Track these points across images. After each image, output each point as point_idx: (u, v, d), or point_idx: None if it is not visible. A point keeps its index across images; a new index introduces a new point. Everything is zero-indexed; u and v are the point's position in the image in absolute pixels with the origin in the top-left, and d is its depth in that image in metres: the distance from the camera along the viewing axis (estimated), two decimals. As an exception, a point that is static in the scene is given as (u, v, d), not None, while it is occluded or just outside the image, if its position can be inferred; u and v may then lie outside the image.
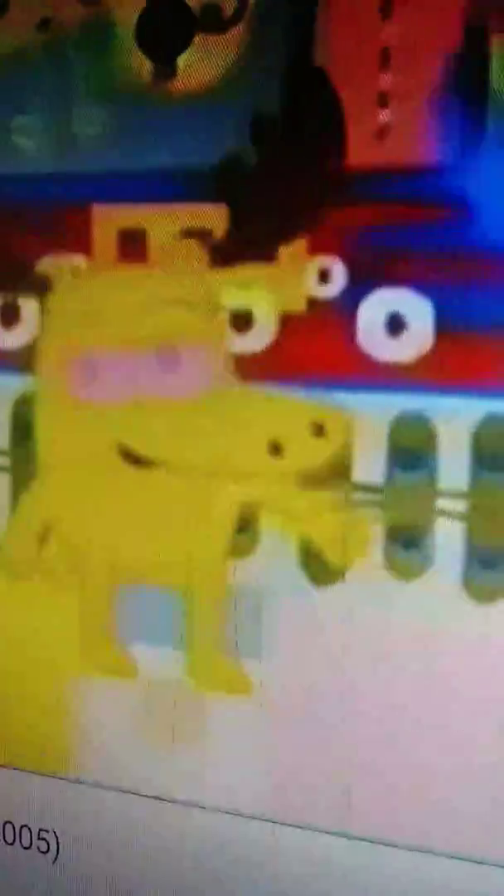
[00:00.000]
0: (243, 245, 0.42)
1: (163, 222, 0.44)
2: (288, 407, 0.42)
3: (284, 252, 0.42)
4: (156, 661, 0.47)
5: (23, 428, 0.47)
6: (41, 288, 0.46)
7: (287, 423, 0.43)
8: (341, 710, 0.44)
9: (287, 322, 0.42)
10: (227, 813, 0.47)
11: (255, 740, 0.46)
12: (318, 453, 0.42)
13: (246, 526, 0.44)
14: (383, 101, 0.39)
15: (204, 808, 0.48)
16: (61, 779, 0.50)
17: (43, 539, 0.48)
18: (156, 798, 0.48)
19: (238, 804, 0.46)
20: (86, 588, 0.48)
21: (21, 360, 0.47)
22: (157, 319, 0.44)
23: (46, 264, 0.46)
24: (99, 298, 0.45)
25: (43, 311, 0.46)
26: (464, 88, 0.38)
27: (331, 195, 0.41)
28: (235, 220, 0.42)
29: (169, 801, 0.48)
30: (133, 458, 0.46)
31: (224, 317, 0.43)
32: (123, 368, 0.45)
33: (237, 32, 0.41)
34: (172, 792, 0.48)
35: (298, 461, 0.43)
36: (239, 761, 0.46)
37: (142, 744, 0.48)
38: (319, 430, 0.42)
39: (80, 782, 0.50)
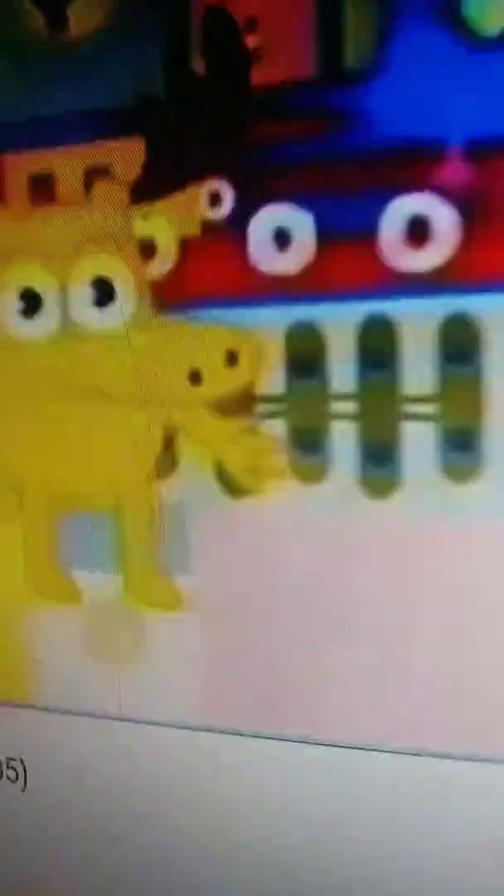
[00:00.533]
0: (155, 181, 0.44)
1: (72, 164, 0.46)
2: (204, 337, 0.44)
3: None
4: (96, 584, 0.48)
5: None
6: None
7: (204, 353, 0.44)
8: (266, 617, 0.45)
9: (185, 247, 0.44)
10: (167, 726, 0.48)
11: (189, 653, 0.47)
12: (232, 381, 0.44)
13: (169, 449, 0.46)
14: (251, 25, 0.41)
15: (148, 723, 0.49)
16: (22, 707, 0.51)
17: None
18: (107, 718, 0.50)
19: (178, 716, 0.48)
20: (27, 519, 0.50)
21: None
22: (79, 255, 0.46)
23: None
24: (16, 240, 0.47)
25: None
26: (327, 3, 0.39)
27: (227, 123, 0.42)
28: (147, 157, 0.44)
29: (118, 720, 0.50)
30: (64, 389, 0.47)
31: (134, 248, 0.45)
32: (50, 303, 0.47)
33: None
34: (121, 710, 0.49)
35: (214, 389, 0.44)
36: (176, 675, 0.48)
37: (90, 666, 0.49)
38: (232, 359, 0.44)
39: (39, 709, 0.51)
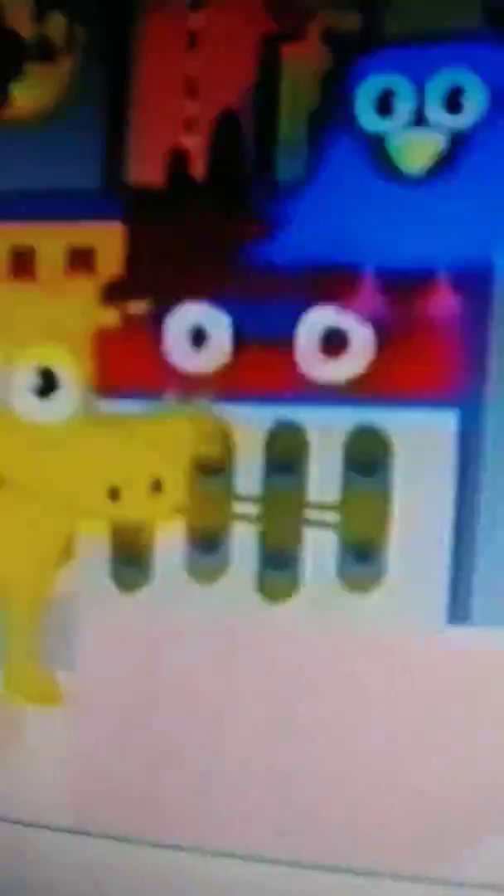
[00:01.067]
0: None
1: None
2: (133, 455, 0.43)
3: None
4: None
5: None
6: None
7: (128, 473, 0.43)
8: (147, 715, 0.43)
9: (103, 339, 0.43)
10: (34, 826, 0.46)
11: (64, 749, 0.45)
12: (150, 509, 0.43)
13: (66, 546, 0.45)
14: (189, 127, 0.41)
15: (14, 821, 0.46)
16: None
17: None
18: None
19: (48, 816, 0.45)
20: None
21: None
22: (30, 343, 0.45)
23: None
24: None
25: None
26: (259, 114, 0.40)
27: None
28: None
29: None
30: None
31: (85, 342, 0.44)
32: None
33: (65, 63, 0.43)
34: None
35: (132, 512, 0.43)
36: (49, 772, 0.45)
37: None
38: (157, 487, 0.43)
39: None
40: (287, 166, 0.40)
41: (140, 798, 0.44)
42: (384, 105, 0.39)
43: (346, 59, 0.39)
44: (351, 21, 0.39)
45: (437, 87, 0.38)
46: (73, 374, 0.44)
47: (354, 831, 0.41)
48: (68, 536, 0.44)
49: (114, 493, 0.43)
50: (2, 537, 0.45)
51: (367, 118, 0.39)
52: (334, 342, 0.40)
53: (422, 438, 0.39)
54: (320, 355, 0.40)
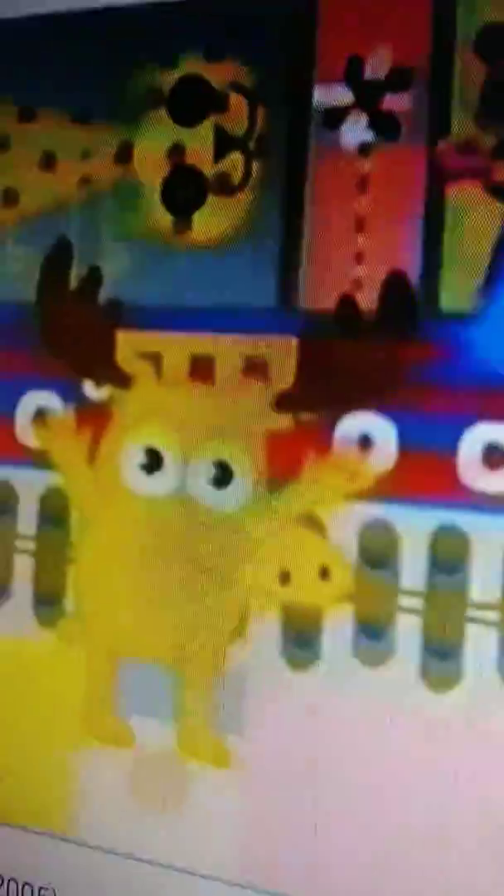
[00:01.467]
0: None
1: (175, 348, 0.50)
2: (303, 543, 0.47)
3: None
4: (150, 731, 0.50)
5: (54, 516, 0.52)
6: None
7: (299, 559, 0.47)
8: (309, 785, 0.47)
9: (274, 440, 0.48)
10: (206, 878, 0.50)
11: (232, 810, 0.49)
12: (318, 594, 0.46)
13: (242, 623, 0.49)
14: (360, 259, 0.45)
15: (186, 872, 0.50)
16: (62, 839, 0.53)
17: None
18: (142, 861, 0.51)
19: (217, 870, 0.49)
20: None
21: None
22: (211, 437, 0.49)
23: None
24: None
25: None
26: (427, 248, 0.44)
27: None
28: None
29: (156, 865, 0.51)
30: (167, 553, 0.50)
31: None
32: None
33: (242, 196, 0.48)
34: (159, 856, 0.51)
35: (301, 594, 0.47)
36: (217, 828, 0.49)
37: (135, 809, 0.51)
38: (325, 574, 0.46)
39: (77, 843, 0.53)
40: (457, 299, 0.43)
41: (300, 858, 0.47)
42: None
43: None
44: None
45: None
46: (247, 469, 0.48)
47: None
48: (242, 615, 0.48)
49: (284, 577, 0.47)
50: (184, 613, 0.49)
51: None
52: (496, 456, 0.43)
53: None
54: (482, 467, 0.43)
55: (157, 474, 0.50)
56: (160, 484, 0.50)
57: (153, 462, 0.50)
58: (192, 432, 0.49)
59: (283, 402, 0.47)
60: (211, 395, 0.49)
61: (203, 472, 0.49)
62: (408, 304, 0.44)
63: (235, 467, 0.48)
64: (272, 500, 0.47)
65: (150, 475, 0.50)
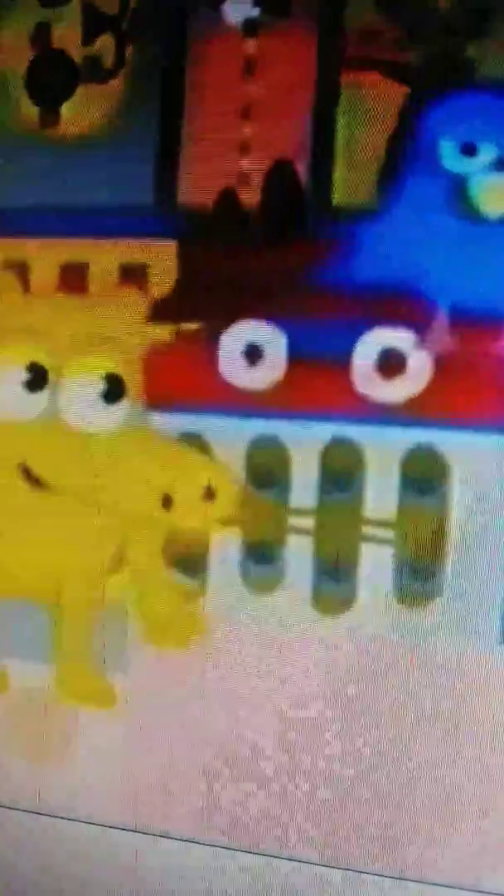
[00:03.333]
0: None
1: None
2: (187, 463, 0.42)
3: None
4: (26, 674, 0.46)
5: None
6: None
7: (183, 481, 0.42)
8: (197, 722, 0.43)
9: (157, 352, 0.43)
10: (91, 823, 0.46)
11: (116, 752, 0.45)
12: (203, 517, 0.42)
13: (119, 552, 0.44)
14: (245, 149, 0.40)
15: (71, 819, 0.46)
16: None
17: None
18: (28, 811, 0.47)
19: (102, 814, 0.45)
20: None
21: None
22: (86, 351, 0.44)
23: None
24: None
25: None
26: (320, 141, 0.39)
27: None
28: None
29: (40, 814, 0.47)
30: (34, 480, 0.45)
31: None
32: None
33: (115, 84, 0.42)
34: (39, 804, 0.46)
35: (184, 519, 0.42)
36: (101, 773, 0.45)
37: (12, 757, 0.46)
38: (209, 494, 0.42)
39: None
40: (352, 193, 0.39)
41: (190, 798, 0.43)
42: (467, 146, 0.38)
43: (429, 95, 0.38)
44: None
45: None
46: (128, 386, 0.43)
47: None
48: (120, 544, 0.44)
49: (166, 501, 0.43)
50: (54, 542, 0.44)
51: (450, 158, 0.38)
52: (393, 363, 0.39)
53: (479, 461, 0.38)
54: (378, 375, 0.39)
55: (30, 395, 0.44)
56: (28, 406, 0.44)
57: (32, 381, 0.44)
58: (61, 348, 0.44)
59: (163, 313, 0.42)
60: (84, 307, 0.43)
61: (77, 392, 0.43)
62: (296, 199, 0.39)
63: (111, 386, 0.43)
64: (150, 419, 0.42)
65: (27, 394, 0.44)
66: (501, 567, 0.38)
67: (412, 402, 0.39)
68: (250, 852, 0.44)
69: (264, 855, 0.43)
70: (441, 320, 0.38)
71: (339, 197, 0.40)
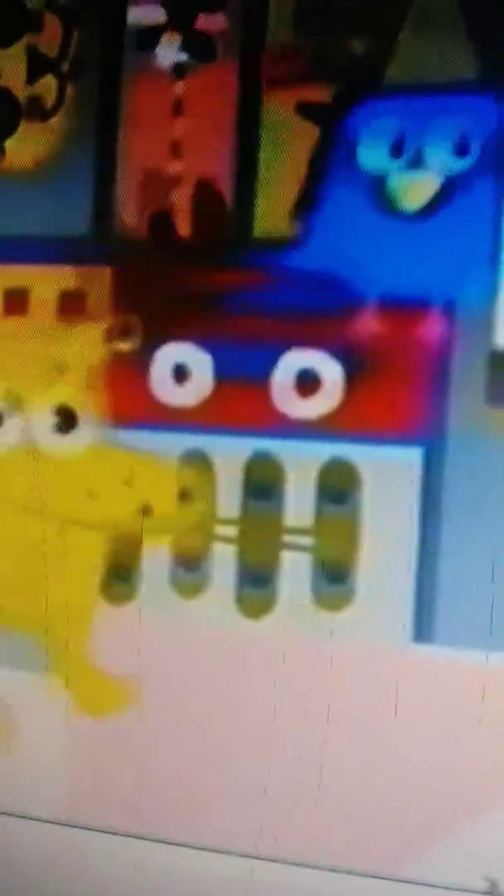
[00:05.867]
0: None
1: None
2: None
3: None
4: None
5: None
6: None
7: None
8: (137, 721, 0.43)
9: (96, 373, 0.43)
10: (32, 819, 0.46)
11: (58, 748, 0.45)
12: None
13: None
14: (176, 181, 0.41)
15: (7, 814, 0.46)
16: None
17: None
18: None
19: (42, 810, 0.45)
20: None
21: None
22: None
23: None
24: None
25: None
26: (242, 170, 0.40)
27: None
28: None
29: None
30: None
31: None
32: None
33: (55, 121, 0.43)
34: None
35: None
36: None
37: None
38: (147, 511, 0.42)
39: None
40: (273, 219, 0.40)
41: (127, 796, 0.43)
42: (390, 148, 0.38)
43: (348, 102, 0.39)
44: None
45: (436, 133, 0.38)
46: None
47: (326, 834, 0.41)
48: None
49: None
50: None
51: (371, 160, 0.39)
52: (309, 382, 0.40)
53: (388, 471, 0.39)
54: (294, 394, 0.40)
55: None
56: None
57: None
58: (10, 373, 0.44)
59: (106, 334, 0.43)
60: (27, 331, 0.44)
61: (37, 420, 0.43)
62: (222, 229, 0.40)
63: (64, 414, 0.43)
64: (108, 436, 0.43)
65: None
66: (410, 570, 0.39)
67: (326, 419, 0.40)
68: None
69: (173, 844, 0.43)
70: (368, 311, 0.39)
71: (260, 227, 0.40)
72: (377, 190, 0.39)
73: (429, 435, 0.39)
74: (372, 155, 0.39)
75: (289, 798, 0.41)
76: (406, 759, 0.39)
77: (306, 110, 0.39)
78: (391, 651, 0.39)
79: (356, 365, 0.40)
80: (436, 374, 0.38)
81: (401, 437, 0.39)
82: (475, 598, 0.38)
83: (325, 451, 0.40)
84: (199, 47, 0.41)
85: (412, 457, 0.39)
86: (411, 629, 0.39)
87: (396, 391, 0.39)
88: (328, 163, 0.39)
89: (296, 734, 0.41)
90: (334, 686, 0.40)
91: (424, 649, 0.39)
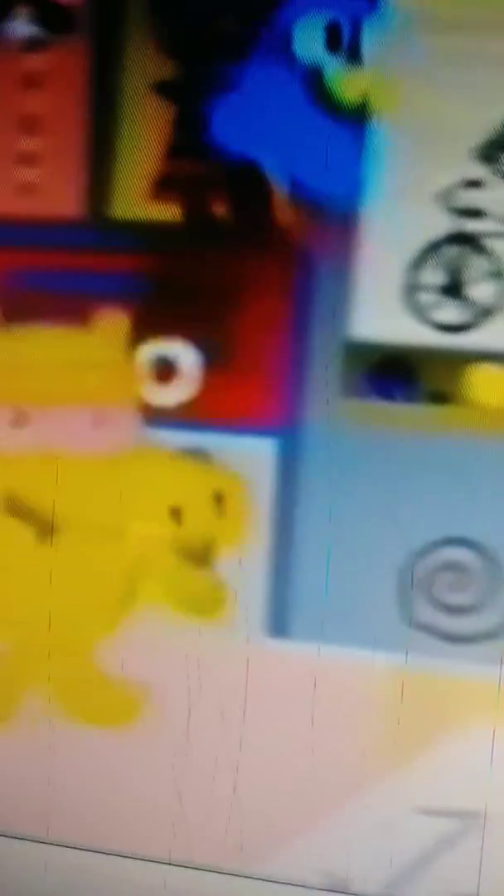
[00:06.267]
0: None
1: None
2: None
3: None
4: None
5: None
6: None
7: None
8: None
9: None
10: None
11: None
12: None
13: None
14: (29, 160, 0.39)
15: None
16: None
17: None
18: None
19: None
20: None
21: None
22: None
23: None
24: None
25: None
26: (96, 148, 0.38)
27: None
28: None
29: None
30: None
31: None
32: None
33: None
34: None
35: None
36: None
37: None
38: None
39: None
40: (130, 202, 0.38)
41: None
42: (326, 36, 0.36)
43: None
44: None
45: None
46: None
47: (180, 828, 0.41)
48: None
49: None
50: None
51: (307, 52, 0.36)
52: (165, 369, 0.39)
53: (246, 461, 0.38)
54: (154, 381, 0.39)
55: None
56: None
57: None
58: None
59: None
60: None
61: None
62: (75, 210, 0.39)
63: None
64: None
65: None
66: (269, 564, 0.38)
67: (184, 408, 0.39)
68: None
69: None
70: (282, 194, 0.37)
71: (117, 210, 0.39)
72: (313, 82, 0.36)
73: (284, 426, 0.38)
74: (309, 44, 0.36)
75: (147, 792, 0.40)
76: (259, 750, 0.39)
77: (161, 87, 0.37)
78: (248, 646, 0.39)
79: (212, 350, 0.38)
80: (294, 367, 0.37)
81: (255, 427, 0.38)
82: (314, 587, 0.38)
83: (182, 439, 0.39)
84: (54, 20, 0.39)
85: (267, 447, 0.38)
86: (267, 625, 0.39)
87: (254, 381, 0.38)
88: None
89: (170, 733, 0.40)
90: (193, 679, 0.40)
91: (280, 644, 0.39)
